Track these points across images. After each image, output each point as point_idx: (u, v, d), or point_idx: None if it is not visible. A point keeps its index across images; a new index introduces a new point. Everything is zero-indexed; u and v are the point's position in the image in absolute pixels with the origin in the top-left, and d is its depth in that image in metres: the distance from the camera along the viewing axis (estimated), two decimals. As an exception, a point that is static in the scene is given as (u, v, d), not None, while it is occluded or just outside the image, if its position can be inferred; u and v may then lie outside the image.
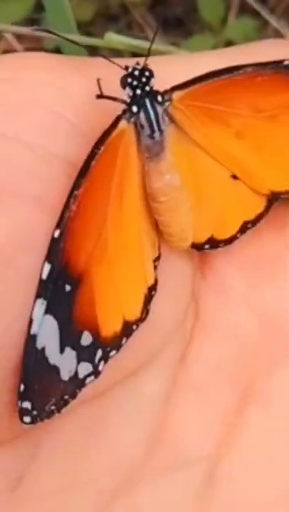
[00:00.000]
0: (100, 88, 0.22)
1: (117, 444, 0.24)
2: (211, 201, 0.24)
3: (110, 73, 0.22)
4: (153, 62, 0.23)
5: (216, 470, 0.24)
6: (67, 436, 0.23)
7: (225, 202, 0.24)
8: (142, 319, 0.23)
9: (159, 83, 0.22)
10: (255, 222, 0.24)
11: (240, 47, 0.25)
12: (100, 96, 0.22)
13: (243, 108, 0.23)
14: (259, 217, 0.24)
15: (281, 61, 0.23)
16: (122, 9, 0.49)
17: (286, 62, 0.23)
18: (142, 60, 0.23)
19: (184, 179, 0.23)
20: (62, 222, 0.21)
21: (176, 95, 0.23)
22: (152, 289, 0.23)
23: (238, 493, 0.24)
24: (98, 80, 0.22)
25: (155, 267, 0.23)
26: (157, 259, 0.23)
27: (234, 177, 0.24)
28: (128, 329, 0.22)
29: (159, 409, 0.24)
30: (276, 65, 0.23)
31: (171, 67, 0.23)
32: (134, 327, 0.22)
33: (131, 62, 0.23)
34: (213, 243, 0.24)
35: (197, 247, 0.24)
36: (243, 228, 0.24)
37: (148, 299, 0.23)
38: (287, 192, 0.24)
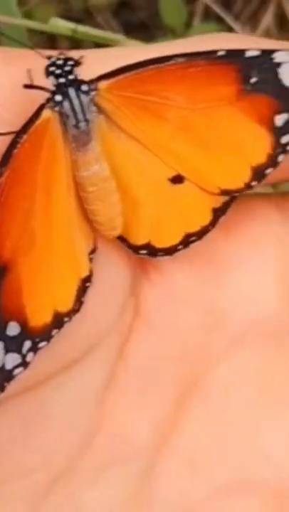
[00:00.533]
0: (30, 79, 0.22)
1: (54, 437, 0.23)
2: (147, 201, 0.23)
3: (41, 64, 0.22)
4: (91, 53, 0.22)
5: (154, 464, 0.24)
6: (3, 427, 0.23)
7: (163, 206, 0.23)
8: (74, 311, 0.22)
9: (93, 74, 0.22)
10: (199, 235, 0.23)
11: (189, 39, 0.24)
12: (27, 86, 0.21)
13: (178, 100, 0.22)
14: (204, 231, 0.23)
15: (214, 52, 0.22)
16: (86, 13, 0.49)
17: (220, 53, 0.22)
18: (79, 52, 0.22)
19: (114, 171, 0.23)
20: None
21: (103, 85, 0.22)
22: (86, 280, 0.22)
23: (176, 487, 0.23)
24: (28, 71, 0.22)
25: (90, 260, 0.23)
26: (93, 251, 0.23)
27: (174, 180, 0.23)
28: (59, 320, 0.22)
29: (97, 403, 0.24)
30: (209, 56, 0.22)
31: (108, 58, 0.23)
32: (66, 319, 0.22)
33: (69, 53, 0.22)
34: (152, 250, 0.23)
35: (134, 249, 0.23)
36: (186, 241, 0.23)
37: (81, 290, 0.22)
38: (238, 190, 0.23)
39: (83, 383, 0.23)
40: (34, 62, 0.22)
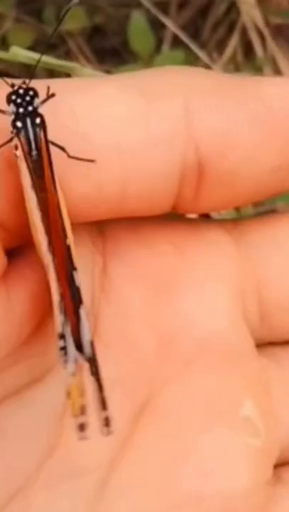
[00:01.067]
0: None
1: (10, 455, 0.24)
2: None
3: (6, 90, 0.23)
4: (52, 83, 0.23)
5: (108, 480, 0.24)
6: None
7: None
8: None
9: (51, 104, 0.22)
10: None
11: (144, 72, 0.25)
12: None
13: None
14: None
15: None
16: (60, 39, 0.50)
17: None
18: (40, 82, 0.23)
19: None
20: None
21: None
22: None
23: (128, 502, 0.24)
24: None
25: None
26: None
27: None
28: None
29: (54, 422, 0.24)
30: None
31: (69, 90, 0.23)
32: None
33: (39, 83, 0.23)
34: None
35: None
36: None
37: None
38: None
39: (42, 401, 0.24)
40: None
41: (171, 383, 0.25)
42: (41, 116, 0.22)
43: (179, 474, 0.24)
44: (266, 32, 0.50)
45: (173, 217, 0.25)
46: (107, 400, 0.21)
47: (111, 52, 0.49)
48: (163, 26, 0.49)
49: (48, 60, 0.26)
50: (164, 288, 0.25)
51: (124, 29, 0.48)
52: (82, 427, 0.20)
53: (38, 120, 0.22)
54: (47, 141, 0.22)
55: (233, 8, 0.53)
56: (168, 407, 0.24)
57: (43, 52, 0.25)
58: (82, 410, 0.20)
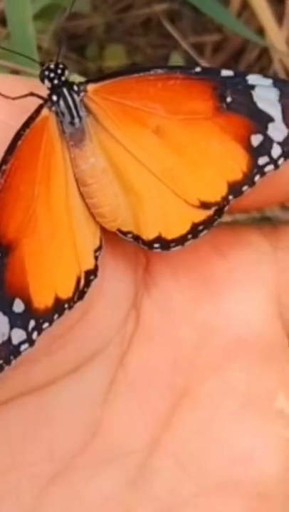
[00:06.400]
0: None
1: (56, 434, 0.25)
2: (148, 195, 0.25)
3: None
4: None
5: (148, 463, 0.25)
6: (15, 421, 0.25)
7: (165, 198, 0.25)
8: (74, 300, 0.24)
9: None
10: (207, 224, 0.25)
11: None
12: (17, 97, 0.24)
13: (158, 109, 0.24)
14: (210, 221, 0.25)
15: (192, 67, 0.24)
16: (100, 73, 0.52)
17: (196, 69, 0.24)
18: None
19: (113, 167, 0.24)
20: None
21: (91, 87, 0.24)
22: (90, 273, 0.24)
23: (166, 484, 0.25)
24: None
25: (96, 257, 0.24)
26: (99, 249, 0.24)
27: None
28: (60, 306, 0.23)
29: (98, 405, 0.25)
30: (186, 71, 0.24)
31: None
32: (66, 306, 0.24)
33: None
34: (163, 243, 0.25)
35: (148, 245, 0.25)
36: (194, 230, 0.25)
37: (83, 282, 0.24)
38: (216, 203, 0.24)
39: (87, 386, 0.25)
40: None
41: (209, 375, 0.26)
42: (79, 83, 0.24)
43: (215, 460, 0.25)
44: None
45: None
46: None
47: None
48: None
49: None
50: (204, 286, 0.26)
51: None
52: None
53: (75, 87, 0.24)
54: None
55: (264, 54, 0.55)
56: (206, 397, 0.26)
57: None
58: None
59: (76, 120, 0.24)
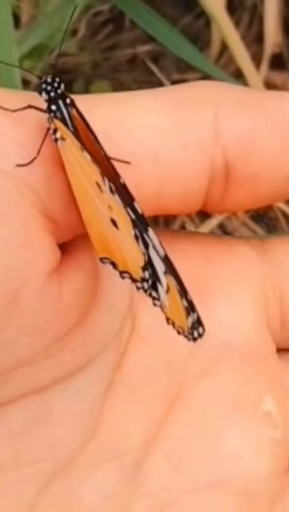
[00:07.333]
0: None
1: (56, 435, 0.26)
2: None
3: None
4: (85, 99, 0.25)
5: (143, 461, 0.26)
6: (16, 420, 0.26)
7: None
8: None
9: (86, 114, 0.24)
10: None
11: (176, 86, 0.27)
12: (16, 110, 0.24)
13: None
14: None
15: None
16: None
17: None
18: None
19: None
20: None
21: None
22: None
23: (160, 482, 0.26)
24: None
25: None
26: None
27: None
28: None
29: (96, 407, 0.26)
30: None
31: (104, 101, 0.25)
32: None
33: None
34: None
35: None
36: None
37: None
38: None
39: (85, 388, 0.26)
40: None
41: (200, 378, 0.27)
42: (70, 97, 0.24)
43: (206, 459, 0.27)
44: None
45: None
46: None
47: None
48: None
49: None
50: (195, 293, 0.27)
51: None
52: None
53: (68, 100, 0.24)
54: (82, 117, 0.24)
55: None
56: (197, 400, 0.27)
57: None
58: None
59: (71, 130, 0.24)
